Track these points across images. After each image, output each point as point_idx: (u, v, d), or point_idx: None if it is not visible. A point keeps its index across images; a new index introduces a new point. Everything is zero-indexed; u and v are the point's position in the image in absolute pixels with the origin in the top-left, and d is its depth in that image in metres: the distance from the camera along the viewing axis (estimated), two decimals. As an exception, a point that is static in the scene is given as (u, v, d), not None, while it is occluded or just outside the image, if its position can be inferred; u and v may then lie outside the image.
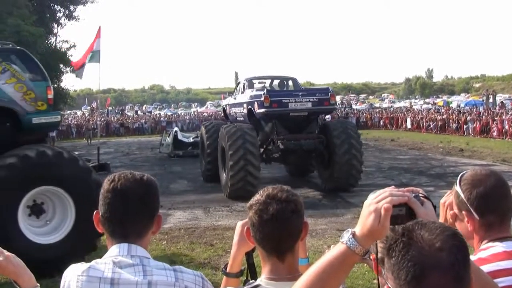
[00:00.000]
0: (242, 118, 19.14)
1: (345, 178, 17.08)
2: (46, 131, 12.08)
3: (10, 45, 10.88)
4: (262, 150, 17.89)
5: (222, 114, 26.36)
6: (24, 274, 2.37)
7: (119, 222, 2.39)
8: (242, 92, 20.11)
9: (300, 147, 17.26)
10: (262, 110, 17.10)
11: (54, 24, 41.91)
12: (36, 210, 9.64)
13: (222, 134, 17.20)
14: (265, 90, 17.67)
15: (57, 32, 42.88)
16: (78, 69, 18.18)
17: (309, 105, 17.16)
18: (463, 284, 1.51)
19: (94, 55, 16.84)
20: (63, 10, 42.30)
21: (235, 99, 21.22)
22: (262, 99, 17.04)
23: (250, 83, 20.47)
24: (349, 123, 20.35)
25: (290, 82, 21.65)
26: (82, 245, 9.25)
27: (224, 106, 24.39)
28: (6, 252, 2.31)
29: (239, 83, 22.09)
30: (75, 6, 42.23)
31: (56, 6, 41.73)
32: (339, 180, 17.12)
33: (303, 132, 17.77)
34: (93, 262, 2.35)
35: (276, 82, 22.02)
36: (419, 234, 1.54)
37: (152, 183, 2.47)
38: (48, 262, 8.15)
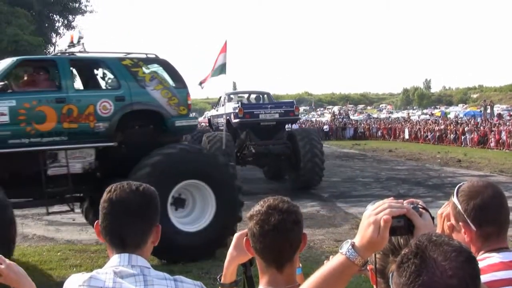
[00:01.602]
0: (222, 127, 20.88)
1: (310, 177, 20.14)
2: (185, 133, 13.64)
3: (154, 56, 11.76)
4: (238, 154, 21.17)
5: (207, 124, 29.84)
6: (25, 282, 2.38)
7: (117, 233, 2.39)
8: (223, 105, 22.69)
9: (269, 151, 20.65)
10: (237, 120, 20.71)
11: (52, 33, 41.95)
12: (179, 202, 10.96)
13: (204, 141, 20.28)
14: (240, 103, 21.68)
15: (56, 41, 42.93)
16: (203, 83, 18.84)
17: (277, 116, 20.86)
18: None
19: (220, 68, 17.40)
20: (62, 20, 42.36)
21: (217, 111, 24.85)
22: (237, 111, 20.63)
23: (229, 98, 24.02)
24: (312, 131, 24.27)
25: (266, 96, 25.35)
26: (223, 231, 10.37)
27: (209, 117, 28.73)
28: (7, 261, 2.33)
29: (220, 97, 24.99)
30: (73, 16, 42.30)
31: (55, 15, 41.80)
32: (305, 179, 20.20)
33: (273, 139, 21.07)
34: (94, 272, 2.35)
35: (253, 96, 26.27)
36: (433, 258, 1.50)
37: (149, 193, 2.47)
38: (194, 248, 9.85)
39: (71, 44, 11.82)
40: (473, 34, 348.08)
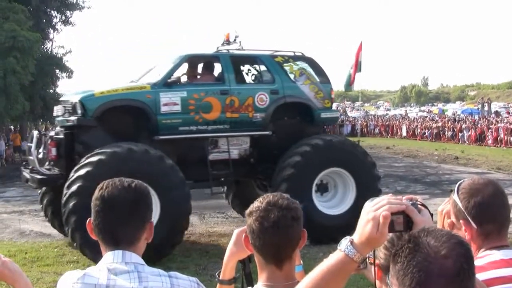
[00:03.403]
0: None
1: None
2: (328, 125, 15.68)
3: (301, 54, 13.00)
4: None
5: None
6: (20, 279, 2.35)
7: (109, 230, 2.37)
8: None
9: None
10: None
11: (50, 29, 41.78)
12: (322, 188, 12.11)
13: None
14: None
15: (53, 37, 42.78)
16: (351, 84, 19.34)
17: None
18: None
19: (359, 66, 18.20)
20: (59, 16, 42.16)
21: None
22: None
23: None
24: None
25: None
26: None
27: None
28: (3, 257, 2.30)
29: None
30: (71, 12, 42.11)
31: (52, 11, 41.61)
32: None
33: None
34: (88, 269, 2.34)
35: None
36: (425, 241, 1.53)
37: (141, 190, 2.45)
38: (335, 229, 9.88)
39: (227, 42, 13.00)
40: (471, 32, 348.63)
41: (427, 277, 1.48)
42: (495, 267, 2.41)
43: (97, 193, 2.41)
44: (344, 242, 1.84)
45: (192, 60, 12.37)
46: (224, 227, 13.30)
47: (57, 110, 12.09)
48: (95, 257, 9.60)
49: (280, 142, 12.13)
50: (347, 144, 12.37)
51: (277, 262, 2.28)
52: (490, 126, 41.30)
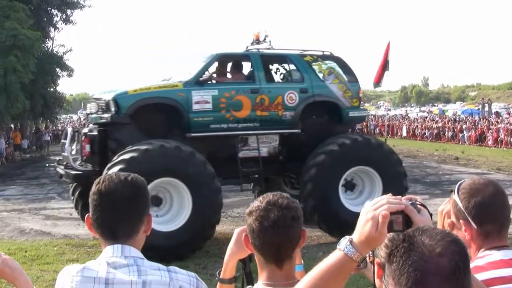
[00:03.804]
0: None
1: None
2: (356, 123, 17.08)
3: (330, 53, 13.22)
4: None
5: None
6: (20, 277, 2.36)
7: (107, 224, 2.38)
8: None
9: None
10: None
11: (51, 28, 41.78)
12: (349, 185, 12.35)
13: None
14: None
15: (54, 36, 42.79)
16: (378, 82, 19.42)
17: None
18: None
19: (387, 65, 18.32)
20: (60, 14, 42.18)
21: None
22: None
23: None
24: None
25: None
26: None
27: None
28: (3, 255, 2.31)
29: None
30: (72, 11, 42.12)
31: (53, 10, 41.62)
32: None
33: None
34: (88, 263, 2.35)
35: None
36: (420, 240, 1.54)
37: (138, 183, 2.45)
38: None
39: (256, 42, 13.23)
40: (472, 32, 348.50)
41: (423, 276, 1.48)
42: (495, 267, 2.41)
43: (94, 188, 2.42)
44: (344, 242, 1.84)
45: (222, 59, 12.57)
46: (224, 226, 13.28)
47: (91, 107, 12.46)
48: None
49: (309, 140, 12.43)
50: (373, 143, 12.56)
51: (277, 261, 2.28)
52: (491, 127, 41.28)
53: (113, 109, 11.13)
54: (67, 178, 11.84)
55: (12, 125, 40.86)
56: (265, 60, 12.72)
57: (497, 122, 43.83)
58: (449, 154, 32.14)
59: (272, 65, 13.38)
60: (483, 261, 2.45)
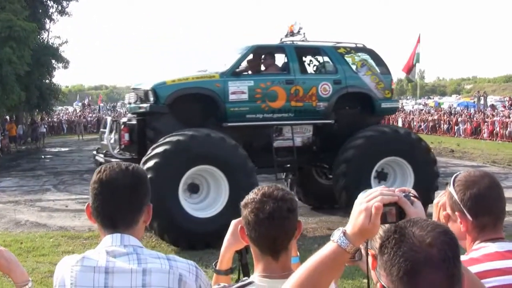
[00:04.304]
0: None
1: None
2: (387, 115, 17.50)
3: (362, 45, 13.43)
4: None
5: None
6: (16, 268, 2.36)
7: (107, 213, 2.38)
8: None
9: None
10: None
11: (46, 19, 41.69)
12: (382, 175, 12.44)
13: None
14: None
15: (49, 27, 42.70)
16: (408, 73, 19.51)
17: None
18: (454, 281, 1.53)
19: (417, 57, 18.32)
20: (56, 6, 42.09)
21: None
22: None
23: None
24: None
25: None
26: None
27: None
28: (-1, 247, 2.31)
29: None
30: (67, 2, 42.04)
31: (48, 1, 41.54)
32: None
33: None
34: (87, 253, 2.35)
35: None
36: (411, 231, 1.57)
37: (139, 173, 2.45)
38: None
39: (291, 34, 13.48)
40: (468, 25, 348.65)
41: (413, 266, 1.50)
42: (490, 259, 2.42)
43: (95, 177, 2.41)
44: (337, 233, 1.84)
45: (258, 50, 12.81)
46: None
47: (129, 97, 12.74)
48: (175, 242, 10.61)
49: (342, 130, 12.67)
50: (410, 136, 12.78)
51: (273, 253, 2.28)
52: (486, 120, 41.33)
53: (151, 99, 11.49)
54: None
55: (8, 117, 40.81)
56: (299, 52, 13.00)
57: (493, 115, 43.82)
58: (445, 147, 32.17)
59: (306, 56, 13.63)
60: (479, 253, 2.46)
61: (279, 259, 2.29)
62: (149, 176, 10.12)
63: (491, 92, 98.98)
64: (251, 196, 2.35)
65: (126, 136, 12.00)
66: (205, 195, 11.07)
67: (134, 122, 12.08)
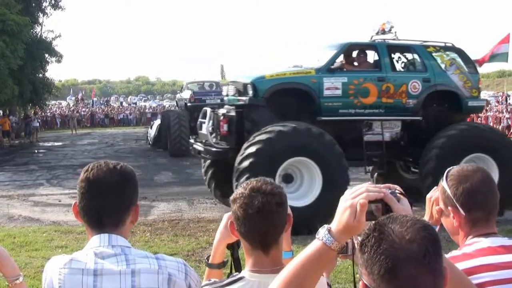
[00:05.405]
0: (184, 108, 27.41)
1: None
2: (474, 113, 18.22)
3: (451, 44, 13.62)
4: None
5: (176, 105, 35.28)
6: (7, 263, 2.35)
7: (94, 212, 2.35)
8: (184, 91, 29.67)
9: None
10: (190, 104, 26.37)
11: (39, 13, 41.56)
12: None
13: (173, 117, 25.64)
14: (192, 91, 27.91)
15: (43, 21, 42.57)
16: (480, 64, 19.43)
17: (219, 100, 23.20)
18: (436, 275, 1.54)
19: (500, 56, 18.33)
20: (49, 0, 41.97)
21: (181, 96, 30.33)
22: (189, 96, 26.81)
23: (187, 85, 30.75)
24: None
25: (215, 84, 31.54)
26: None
27: (176, 100, 34.07)
28: (-10, 242, 2.30)
29: (183, 84, 32.57)
30: (61, -4, 41.90)
31: (42, -5, 41.41)
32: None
33: None
34: (74, 254, 2.32)
35: (207, 84, 32.01)
36: (390, 228, 1.56)
37: (127, 172, 2.42)
38: None
39: (382, 32, 13.63)
40: (461, 20, 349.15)
41: (394, 263, 1.50)
42: (482, 254, 2.42)
43: (82, 175, 2.39)
44: (322, 231, 1.84)
45: (351, 47, 13.18)
46: (213, 213, 13.31)
47: (228, 89, 13.43)
48: None
49: (429, 127, 13.03)
50: (495, 133, 13.31)
51: (263, 247, 2.28)
52: (480, 115, 41.39)
53: (250, 92, 12.11)
54: (206, 154, 12.89)
55: (1, 111, 40.67)
56: (391, 50, 13.34)
57: (486, 110, 43.89)
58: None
59: (396, 54, 13.88)
60: (471, 248, 2.46)
61: (270, 253, 2.29)
62: (249, 160, 10.86)
63: (484, 87, 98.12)
64: (239, 190, 2.34)
65: (225, 127, 12.63)
66: (298, 186, 11.59)
67: (232, 113, 12.67)
